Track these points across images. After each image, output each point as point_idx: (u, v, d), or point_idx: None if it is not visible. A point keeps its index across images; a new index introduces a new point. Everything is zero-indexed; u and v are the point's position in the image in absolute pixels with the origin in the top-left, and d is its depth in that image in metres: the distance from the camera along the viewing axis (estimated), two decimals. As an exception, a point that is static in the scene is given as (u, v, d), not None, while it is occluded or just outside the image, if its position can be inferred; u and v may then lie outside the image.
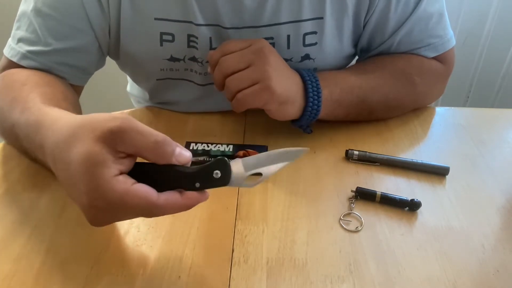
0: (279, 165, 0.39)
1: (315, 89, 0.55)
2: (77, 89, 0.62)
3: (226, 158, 0.38)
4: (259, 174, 0.39)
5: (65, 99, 0.53)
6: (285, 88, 0.52)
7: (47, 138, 0.40)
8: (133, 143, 0.35)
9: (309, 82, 0.55)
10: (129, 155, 0.36)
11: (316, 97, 0.54)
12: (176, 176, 0.37)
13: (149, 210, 0.36)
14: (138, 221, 0.47)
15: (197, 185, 0.37)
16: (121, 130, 0.35)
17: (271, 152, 0.39)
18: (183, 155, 0.37)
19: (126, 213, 0.37)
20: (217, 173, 0.37)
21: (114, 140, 0.35)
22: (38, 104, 0.46)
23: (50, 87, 0.53)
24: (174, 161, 0.37)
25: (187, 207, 0.38)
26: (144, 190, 0.35)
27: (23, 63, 0.56)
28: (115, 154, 0.35)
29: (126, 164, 0.36)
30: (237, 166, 0.38)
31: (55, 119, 0.41)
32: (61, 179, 0.39)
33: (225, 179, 0.38)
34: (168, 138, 0.36)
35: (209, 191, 0.51)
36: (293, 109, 0.54)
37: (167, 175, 0.37)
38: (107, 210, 0.36)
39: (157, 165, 0.37)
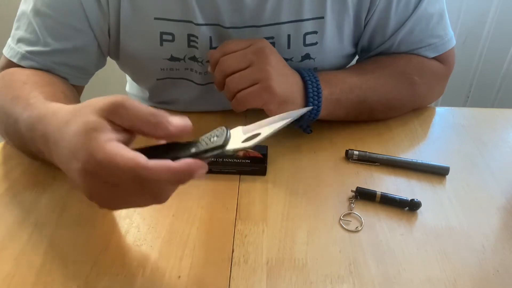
0: (278, 124, 0.38)
1: (315, 89, 0.55)
2: (78, 89, 0.62)
3: (224, 126, 0.38)
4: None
5: (65, 98, 0.53)
6: (285, 88, 0.52)
7: (49, 126, 0.40)
8: (128, 115, 0.35)
9: (309, 82, 0.55)
10: (126, 130, 0.36)
11: (316, 97, 0.54)
12: (174, 148, 0.37)
13: (139, 174, 0.34)
14: (138, 221, 0.47)
15: (193, 150, 0.36)
16: (117, 103, 0.35)
17: (271, 117, 0.39)
18: (178, 120, 0.37)
19: (119, 182, 0.35)
20: (214, 138, 0.37)
21: (110, 113, 0.35)
22: (41, 100, 0.46)
23: (51, 86, 0.53)
24: (171, 128, 0.36)
25: (181, 173, 0.35)
26: (134, 153, 0.34)
27: (23, 63, 0.56)
28: (112, 125, 0.35)
29: (123, 137, 0.36)
30: (235, 130, 0.38)
31: (58, 110, 0.41)
32: (61, 159, 0.38)
33: (223, 143, 0.36)
34: (162, 111, 0.36)
35: (209, 191, 0.51)
36: (293, 109, 0.54)
37: (166, 151, 0.37)
38: (99, 177, 0.35)
39: (156, 147, 0.37)
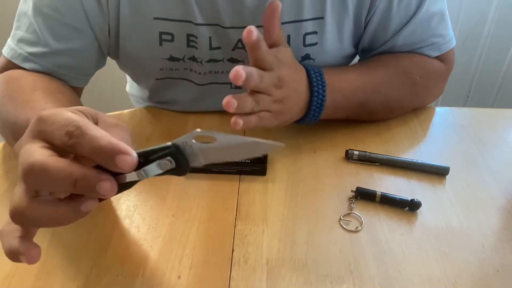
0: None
1: (320, 101, 0.55)
2: (78, 91, 0.62)
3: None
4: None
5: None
6: (290, 114, 0.52)
7: None
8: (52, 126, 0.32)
9: (316, 94, 0.54)
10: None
11: (318, 109, 0.55)
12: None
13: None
14: (138, 221, 0.47)
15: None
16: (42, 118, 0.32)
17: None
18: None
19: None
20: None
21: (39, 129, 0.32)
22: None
23: (62, 94, 0.54)
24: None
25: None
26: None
27: (25, 66, 0.56)
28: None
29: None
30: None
31: None
32: None
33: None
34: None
35: (209, 191, 0.51)
36: (296, 119, 0.55)
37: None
38: None
39: None
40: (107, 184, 0.30)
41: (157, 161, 0.32)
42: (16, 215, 0.32)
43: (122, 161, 0.30)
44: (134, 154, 0.31)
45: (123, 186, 0.33)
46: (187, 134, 0.32)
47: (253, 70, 0.46)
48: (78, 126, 0.30)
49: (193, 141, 0.33)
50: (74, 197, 0.32)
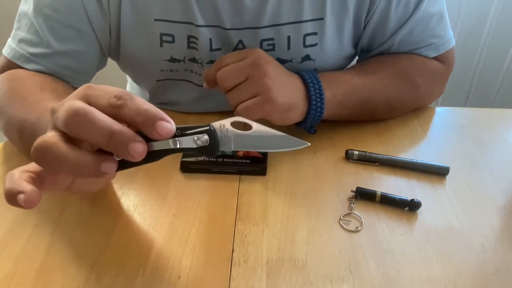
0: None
1: (317, 91, 0.54)
2: None
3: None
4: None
5: None
6: (286, 96, 0.52)
7: None
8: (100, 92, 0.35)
9: (311, 85, 0.54)
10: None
11: (319, 99, 0.54)
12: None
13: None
14: (138, 221, 0.47)
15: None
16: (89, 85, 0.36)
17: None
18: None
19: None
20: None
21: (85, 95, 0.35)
22: None
23: (68, 95, 0.54)
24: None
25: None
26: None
27: (28, 66, 0.56)
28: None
29: None
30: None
31: None
32: None
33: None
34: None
35: (209, 191, 0.51)
36: (296, 114, 0.54)
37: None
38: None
39: None
40: (139, 145, 0.33)
41: (194, 136, 0.35)
42: (41, 150, 0.33)
43: (163, 127, 0.33)
44: (173, 123, 0.34)
45: (151, 156, 0.34)
46: (226, 119, 0.36)
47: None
48: (127, 93, 0.34)
49: (230, 126, 0.36)
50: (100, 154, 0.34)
